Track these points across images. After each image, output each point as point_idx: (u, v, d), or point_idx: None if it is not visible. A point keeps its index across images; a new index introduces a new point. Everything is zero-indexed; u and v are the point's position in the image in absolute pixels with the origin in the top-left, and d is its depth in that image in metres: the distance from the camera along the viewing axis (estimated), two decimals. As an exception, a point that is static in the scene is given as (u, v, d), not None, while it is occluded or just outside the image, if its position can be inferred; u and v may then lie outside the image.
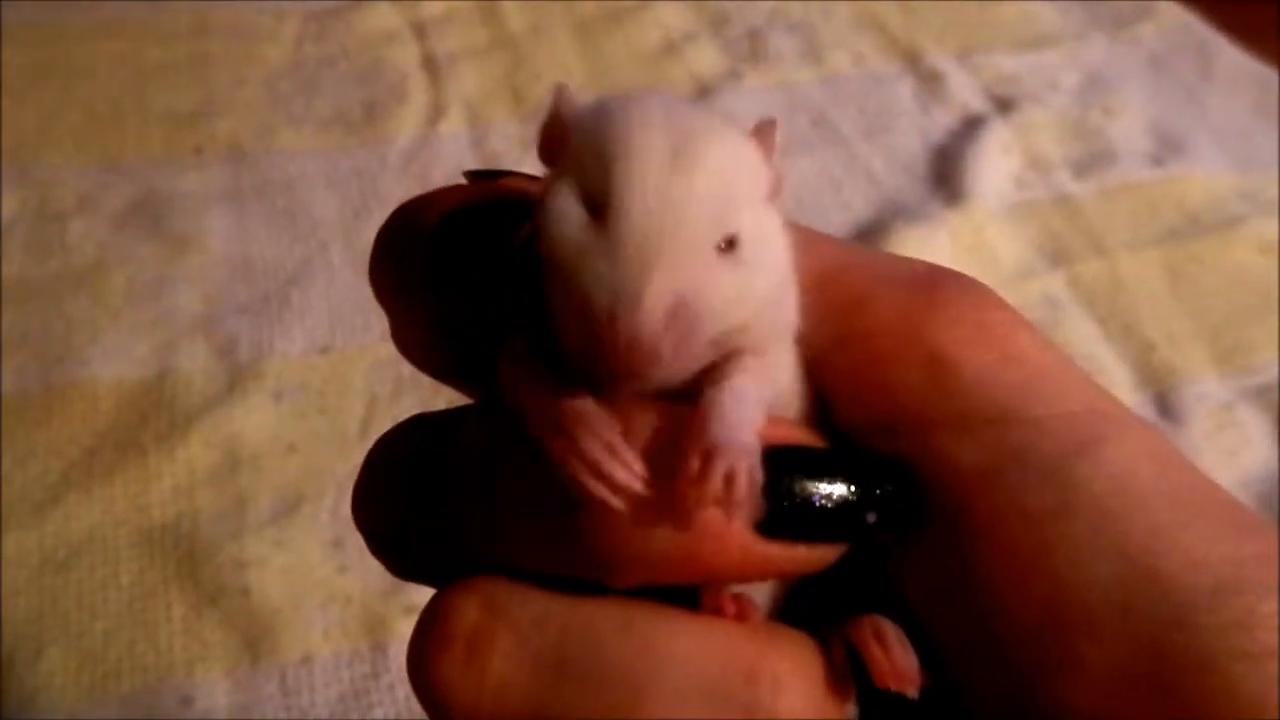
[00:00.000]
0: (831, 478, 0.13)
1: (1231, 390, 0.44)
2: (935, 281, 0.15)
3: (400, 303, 0.15)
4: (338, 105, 0.55)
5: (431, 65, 0.58)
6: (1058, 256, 0.49)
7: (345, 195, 0.49)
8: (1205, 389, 0.43)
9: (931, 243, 0.47)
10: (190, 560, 0.35)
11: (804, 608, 0.14)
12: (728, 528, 0.13)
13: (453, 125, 0.54)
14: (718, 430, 0.13)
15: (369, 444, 0.43)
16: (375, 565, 0.38)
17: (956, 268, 0.48)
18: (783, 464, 0.13)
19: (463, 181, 0.16)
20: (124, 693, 0.32)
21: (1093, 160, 0.54)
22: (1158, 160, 0.55)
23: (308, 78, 0.56)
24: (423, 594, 0.38)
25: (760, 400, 0.14)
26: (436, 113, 0.55)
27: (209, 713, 0.31)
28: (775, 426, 0.14)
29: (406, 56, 0.59)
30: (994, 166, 0.52)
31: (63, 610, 0.33)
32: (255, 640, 0.33)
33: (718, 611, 0.13)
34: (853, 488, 0.13)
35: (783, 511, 0.13)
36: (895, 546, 0.14)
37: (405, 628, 0.33)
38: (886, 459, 0.14)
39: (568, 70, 0.58)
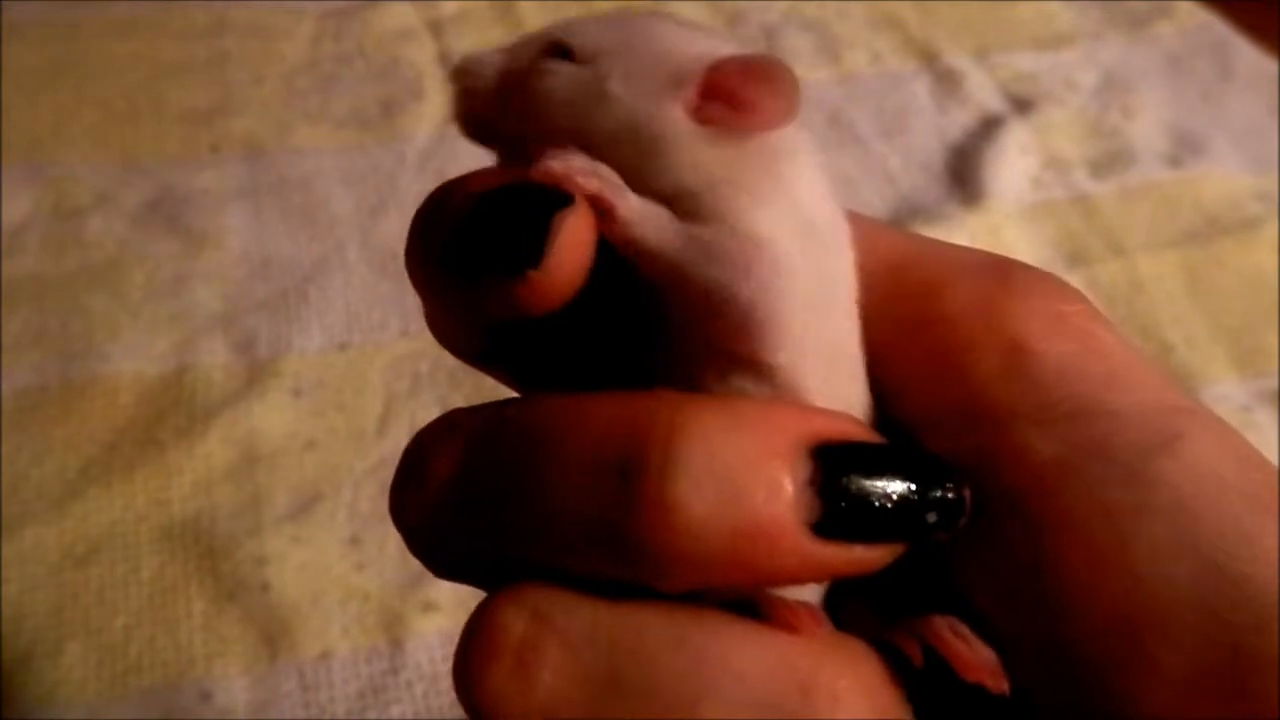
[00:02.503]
0: (891, 475, 0.13)
1: (1250, 393, 0.43)
2: (1011, 270, 0.15)
3: (433, 287, 0.15)
4: (355, 103, 0.55)
5: (448, 63, 0.58)
6: (1076, 257, 0.49)
7: (362, 193, 0.49)
8: (1224, 391, 0.43)
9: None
10: (210, 556, 0.35)
11: (853, 605, 0.14)
12: (782, 526, 0.12)
13: (469, 123, 0.54)
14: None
15: (386, 441, 0.43)
16: (393, 562, 0.38)
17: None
18: (840, 460, 0.13)
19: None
20: (144, 687, 0.32)
21: (1111, 160, 0.54)
22: (1176, 161, 0.54)
23: (325, 75, 0.57)
24: (440, 591, 0.38)
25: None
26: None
27: (228, 708, 0.32)
28: (832, 421, 0.13)
29: (423, 54, 0.59)
30: (1012, 166, 0.52)
31: (83, 605, 0.34)
32: (274, 636, 0.33)
33: (789, 627, 0.13)
34: (913, 486, 0.13)
35: (840, 511, 0.13)
36: (952, 545, 0.14)
37: (423, 624, 0.34)
38: (943, 457, 0.14)
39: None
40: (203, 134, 0.52)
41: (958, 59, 0.60)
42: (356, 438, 0.39)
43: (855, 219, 0.15)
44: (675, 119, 0.14)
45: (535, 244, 0.13)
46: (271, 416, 0.39)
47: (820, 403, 0.14)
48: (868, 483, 0.13)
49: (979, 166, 0.52)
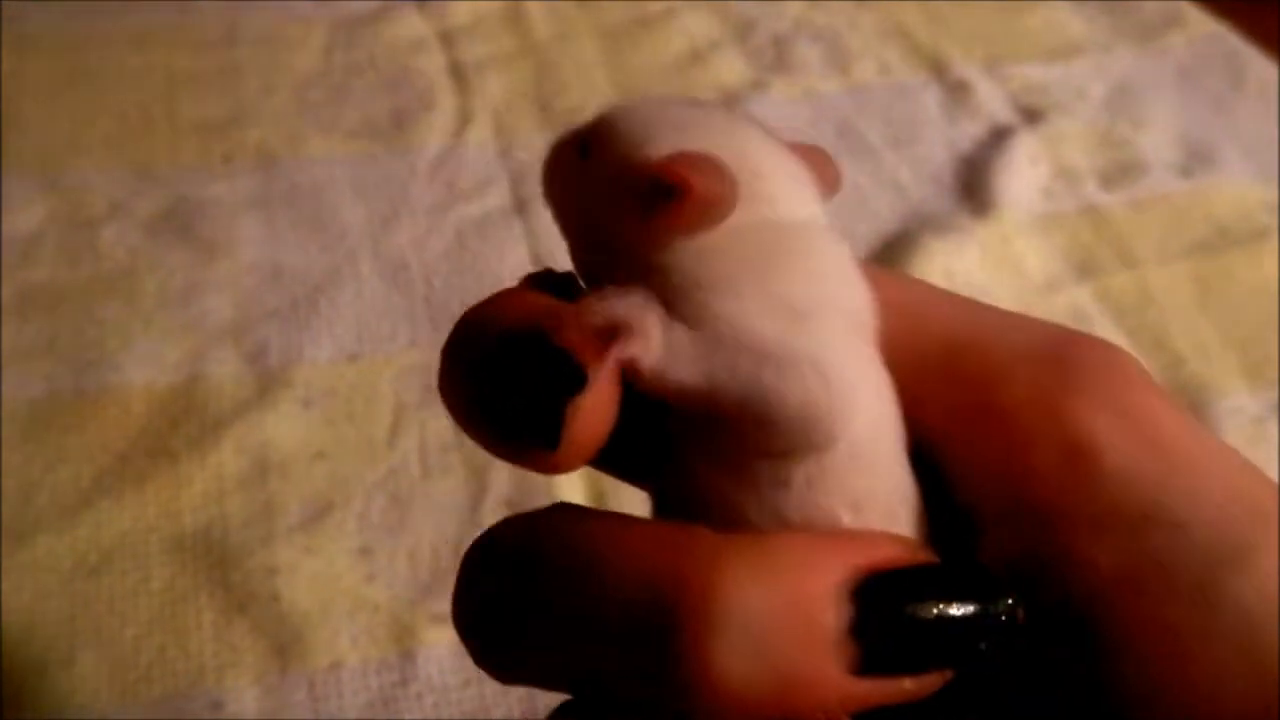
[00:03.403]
0: (938, 601, 0.12)
1: (1262, 404, 0.43)
2: (1073, 352, 0.14)
3: (465, 429, 0.15)
4: (366, 113, 0.55)
5: (459, 73, 0.58)
6: (1086, 268, 0.49)
7: (373, 203, 0.50)
8: (1237, 403, 0.43)
9: (960, 255, 0.47)
10: (221, 566, 0.35)
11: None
12: (823, 674, 0.12)
13: (480, 134, 0.54)
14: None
15: (396, 453, 0.43)
16: (403, 573, 0.38)
17: (985, 280, 0.48)
18: (882, 595, 0.12)
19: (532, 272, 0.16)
20: (155, 697, 0.32)
21: (1121, 172, 0.54)
22: (1187, 172, 0.54)
23: (336, 86, 0.57)
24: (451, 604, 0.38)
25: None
26: (463, 121, 0.55)
27: (239, 718, 0.32)
28: (872, 549, 0.13)
29: (433, 64, 0.59)
30: (1022, 177, 0.52)
31: (94, 615, 0.34)
32: (284, 647, 0.33)
33: None
34: (962, 611, 0.12)
35: (883, 649, 0.12)
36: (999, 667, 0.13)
37: (433, 636, 0.34)
38: (995, 572, 0.13)
39: (593, 79, 0.58)
40: (215, 144, 0.53)
41: (967, 69, 0.60)
42: (367, 448, 0.39)
43: (911, 286, 0.15)
44: (631, 225, 0.14)
45: (550, 427, 0.13)
46: (282, 426, 0.39)
47: (854, 497, 0.14)
48: (912, 614, 0.12)
49: (989, 177, 0.52)
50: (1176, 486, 0.13)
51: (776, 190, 0.15)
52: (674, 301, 0.14)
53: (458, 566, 0.15)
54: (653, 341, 0.13)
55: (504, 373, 0.13)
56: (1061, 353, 0.14)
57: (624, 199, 0.15)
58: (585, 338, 0.13)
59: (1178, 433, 0.13)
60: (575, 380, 0.13)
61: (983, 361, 0.14)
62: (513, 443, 0.13)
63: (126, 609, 0.34)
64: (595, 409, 0.13)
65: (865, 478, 0.14)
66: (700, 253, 0.14)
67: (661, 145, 0.15)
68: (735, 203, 0.14)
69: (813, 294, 0.14)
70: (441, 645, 0.33)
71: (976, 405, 0.14)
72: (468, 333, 0.14)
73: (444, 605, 0.34)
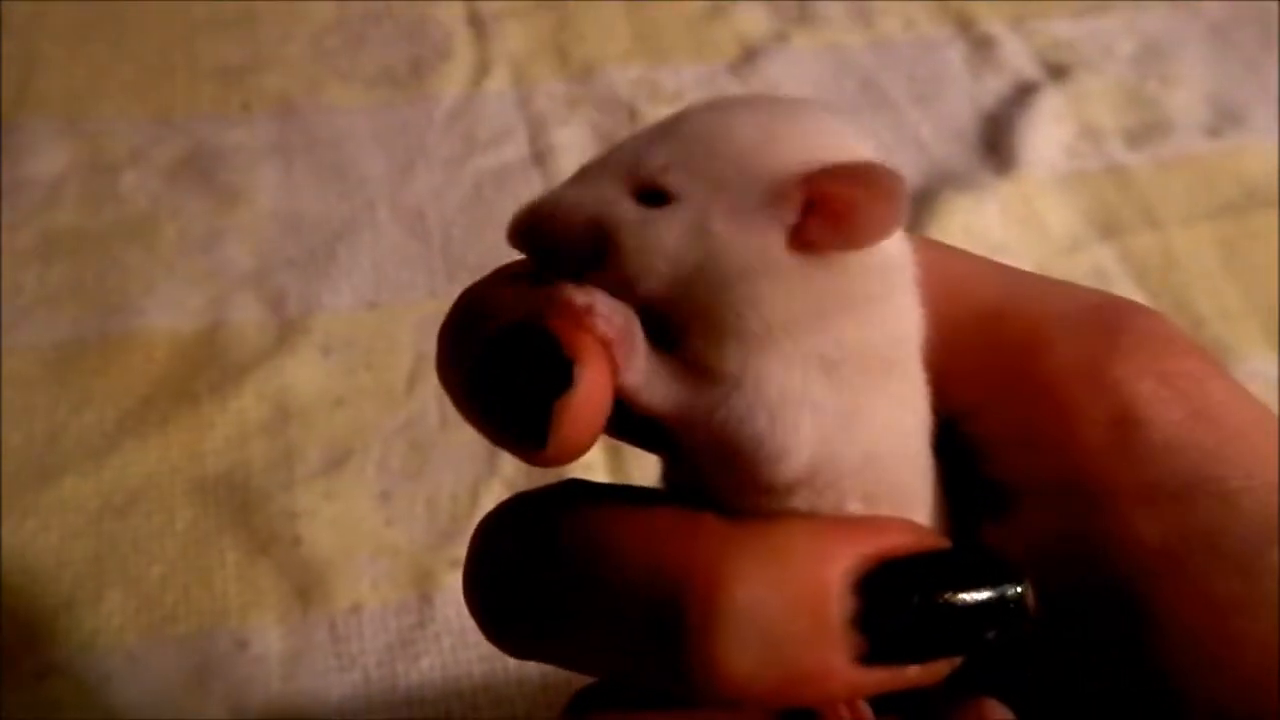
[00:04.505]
0: (949, 590, 0.12)
1: (1282, 368, 0.43)
2: (1116, 319, 0.14)
3: (463, 414, 0.15)
4: (383, 62, 0.55)
5: (477, 22, 0.58)
6: (1109, 228, 0.48)
7: (391, 152, 0.50)
8: (1258, 367, 0.43)
9: (981, 212, 0.46)
10: (244, 509, 0.36)
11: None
12: (829, 666, 0.12)
13: (498, 84, 0.54)
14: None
15: (415, 400, 0.44)
16: (421, 519, 0.38)
17: (1005, 238, 0.47)
18: (887, 585, 0.12)
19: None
20: (180, 635, 0.33)
21: (1148, 131, 0.53)
22: (1215, 132, 0.53)
23: (354, 33, 0.56)
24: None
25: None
26: (481, 71, 0.54)
27: (262, 657, 0.32)
28: (878, 537, 0.12)
29: (451, 13, 0.58)
30: (1046, 135, 0.52)
31: (121, 555, 0.34)
32: (306, 589, 0.34)
33: None
34: (969, 596, 0.12)
35: (888, 639, 0.12)
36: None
37: (451, 580, 0.34)
38: (1003, 560, 0.13)
39: (613, 29, 0.58)
40: (234, 91, 0.52)
41: (993, 24, 0.59)
42: (385, 396, 0.40)
43: (948, 256, 0.15)
44: (776, 249, 0.13)
45: (538, 425, 0.13)
46: (302, 373, 0.40)
47: (863, 490, 0.13)
48: (919, 603, 0.12)
49: (1012, 135, 0.51)
50: (1226, 457, 0.12)
51: None
52: (705, 319, 0.13)
53: (473, 520, 0.15)
54: (637, 357, 0.13)
55: (495, 368, 0.13)
56: (1104, 319, 0.14)
57: (764, 233, 0.13)
58: (576, 334, 0.13)
59: (1226, 401, 0.13)
60: (563, 379, 0.13)
61: (1022, 328, 0.14)
62: (503, 438, 0.13)
63: (152, 549, 0.35)
64: (584, 408, 0.13)
65: (875, 476, 0.13)
66: (809, 286, 0.13)
67: (786, 153, 0.13)
68: (903, 217, 0.13)
69: (855, 341, 0.13)
70: (459, 589, 0.34)
71: (1017, 374, 0.13)
72: (463, 320, 0.14)
73: (462, 551, 0.35)
